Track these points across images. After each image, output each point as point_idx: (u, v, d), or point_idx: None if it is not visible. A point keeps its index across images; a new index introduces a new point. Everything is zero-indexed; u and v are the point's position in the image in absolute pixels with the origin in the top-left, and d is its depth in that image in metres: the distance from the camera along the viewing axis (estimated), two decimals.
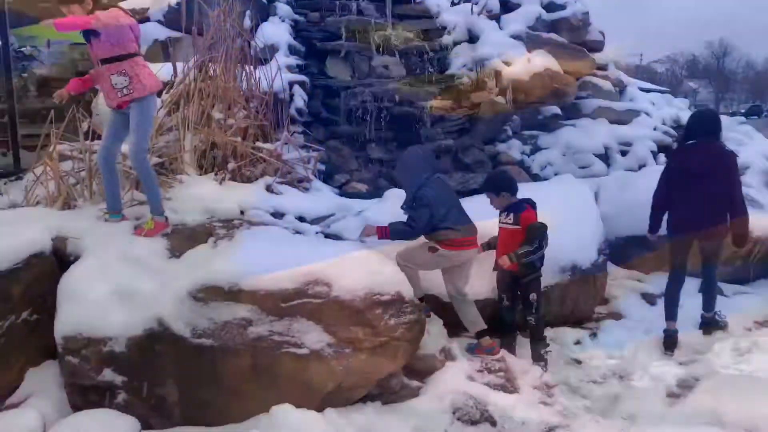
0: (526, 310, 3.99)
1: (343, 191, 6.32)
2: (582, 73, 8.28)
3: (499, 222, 4.07)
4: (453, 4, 8.19)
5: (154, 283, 3.20)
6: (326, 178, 6.37)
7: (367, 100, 6.94)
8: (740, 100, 60.14)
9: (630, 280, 5.40)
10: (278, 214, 4.44)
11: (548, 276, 4.23)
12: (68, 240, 3.56)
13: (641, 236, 5.64)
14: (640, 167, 7.66)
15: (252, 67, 5.43)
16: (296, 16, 7.33)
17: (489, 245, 4.24)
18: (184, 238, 3.75)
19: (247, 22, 5.61)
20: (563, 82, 7.71)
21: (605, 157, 7.64)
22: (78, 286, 3.19)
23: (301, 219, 4.53)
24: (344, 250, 3.52)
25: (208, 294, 3.09)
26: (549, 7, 8.18)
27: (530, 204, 3.99)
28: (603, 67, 8.79)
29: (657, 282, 5.40)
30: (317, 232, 4.28)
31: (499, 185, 4.03)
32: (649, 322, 4.69)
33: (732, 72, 60.36)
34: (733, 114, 39.55)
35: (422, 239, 3.87)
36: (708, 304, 4.52)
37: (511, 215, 3.96)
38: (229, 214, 4.14)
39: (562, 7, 8.15)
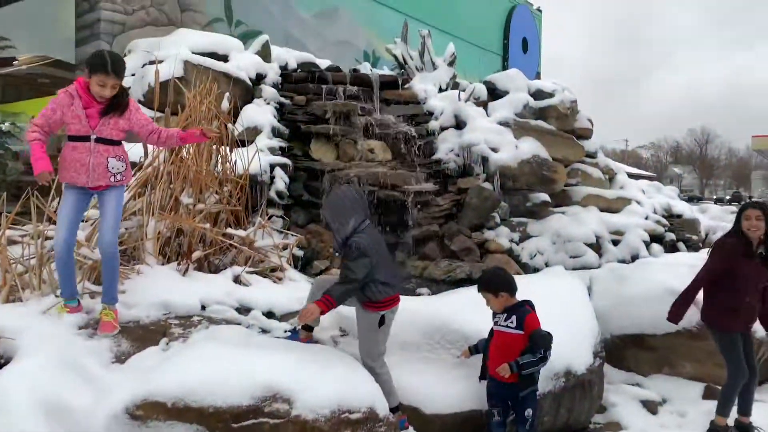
0: (519, 426, 3.57)
1: None
2: (570, 161, 8.21)
3: (496, 325, 3.68)
4: (440, 90, 8.20)
5: (88, 395, 2.78)
6: (305, 264, 6.04)
7: (350, 183, 6.72)
8: (725, 185, 61.30)
9: (628, 384, 4.98)
10: (244, 309, 4.06)
11: (540, 383, 3.82)
12: (0, 340, 3.15)
13: (639, 334, 5.32)
14: (633, 258, 7.43)
15: (228, 150, 5.21)
16: (282, 99, 7.24)
17: (477, 349, 3.87)
18: (134, 339, 3.36)
19: (225, 104, 5.45)
20: (551, 169, 7.60)
21: (597, 247, 7.40)
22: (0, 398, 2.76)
23: (270, 314, 4.14)
24: (311, 355, 3.13)
25: (148, 411, 2.67)
26: (537, 95, 8.18)
27: (531, 306, 3.65)
28: (592, 155, 8.73)
29: (657, 386, 5.00)
30: (286, 331, 3.88)
31: (498, 285, 3.63)
32: None
33: (714, 159, 61.97)
34: (717, 201, 40.10)
35: (366, 318, 3.51)
36: (719, 407, 4.16)
37: (513, 318, 3.58)
38: (188, 310, 3.77)
39: (550, 95, 8.16)
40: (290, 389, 2.80)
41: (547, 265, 7.09)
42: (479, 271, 6.31)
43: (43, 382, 2.84)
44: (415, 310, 4.12)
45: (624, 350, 5.30)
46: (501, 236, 7.09)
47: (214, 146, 5.00)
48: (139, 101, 6.35)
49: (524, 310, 3.60)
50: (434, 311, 4.14)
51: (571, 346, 4.19)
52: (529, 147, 7.53)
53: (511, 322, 3.59)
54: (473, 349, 3.87)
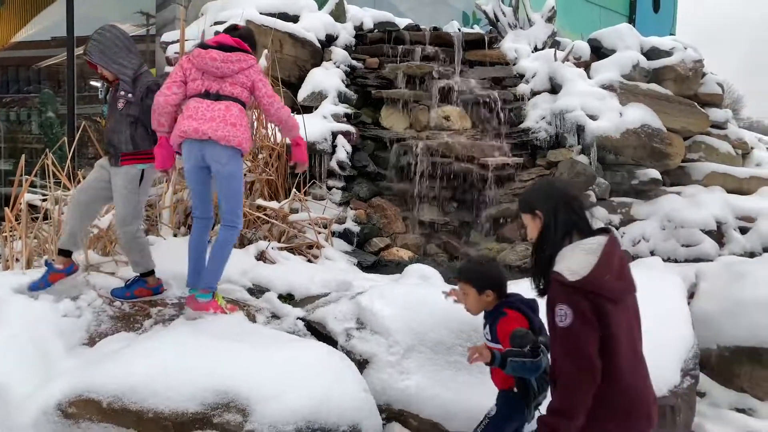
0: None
1: (381, 258, 5.45)
2: (691, 132, 6.93)
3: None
4: (536, 50, 7.23)
5: (33, 382, 2.47)
6: (363, 241, 5.54)
7: (421, 153, 6.09)
8: None
9: (735, 411, 3.97)
10: (258, 290, 3.63)
11: None
12: None
13: (757, 347, 4.24)
14: (766, 250, 6.12)
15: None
16: (353, 62, 6.71)
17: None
18: (118, 318, 3.03)
19: (263, 62, 5.01)
20: (665, 141, 6.44)
21: (718, 235, 6.18)
22: None
23: (290, 297, 3.69)
24: (294, 355, 2.61)
25: (81, 409, 2.30)
26: (651, 54, 6.95)
27: (511, 306, 2.63)
28: (720, 126, 7.33)
29: None
30: (299, 318, 3.40)
31: (483, 279, 2.65)
32: None
33: None
34: None
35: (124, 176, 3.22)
36: None
37: (488, 327, 2.68)
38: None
39: (668, 54, 6.89)
40: (249, 397, 2.31)
41: (653, 254, 6.06)
42: None
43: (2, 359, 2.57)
44: (452, 304, 3.45)
45: (736, 366, 4.24)
46: (595, 218, 6.12)
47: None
48: None
49: (497, 314, 2.61)
50: None
51: (651, 360, 3.29)
52: (638, 114, 6.41)
53: (487, 333, 2.67)
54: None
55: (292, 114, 3.38)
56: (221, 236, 3.15)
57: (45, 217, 3.92)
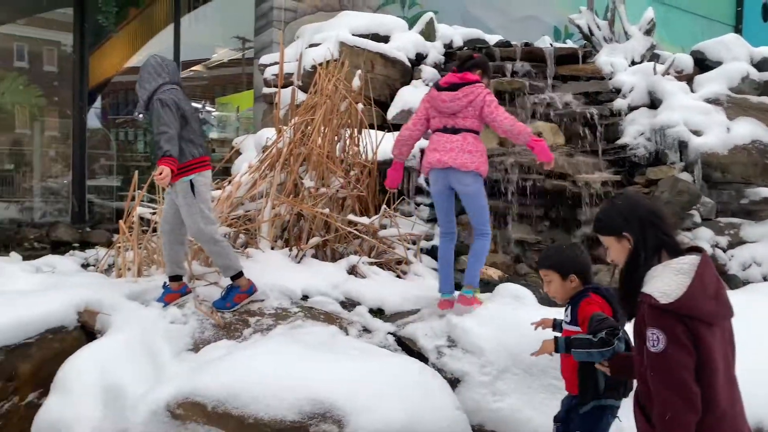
0: None
1: None
2: None
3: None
4: (633, 63, 6.96)
5: (145, 383, 2.63)
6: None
7: (511, 170, 5.98)
8: None
9: None
10: (350, 304, 3.68)
11: None
12: (98, 315, 3.18)
13: None
14: None
15: (357, 132, 4.87)
16: None
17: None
18: (219, 327, 3.17)
19: (356, 82, 5.12)
20: None
21: None
22: (72, 374, 2.74)
23: (380, 311, 3.71)
24: (386, 369, 2.62)
25: (188, 411, 2.41)
26: (762, 65, 6.51)
27: (596, 291, 2.53)
28: None
29: None
30: (389, 333, 3.41)
31: (566, 263, 2.54)
32: None
33: None
34: None
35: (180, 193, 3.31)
36: None
37: (569, 310, 2.54)
38: (287, 300, 3.49)
39: None
40: (344, 408, 2.34)
41: (765, 279, 5.62)
42: None
43: (115, 362, 2.77)
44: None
45: None
46: (700, 239, 5.75)
47: (345, 128, 4.69)
48: (298, 86, 6.33)
49: (580, 297, 2.49)
50: None
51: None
52: (747, 129, 6.02)
53: (567, 316, 2.54)
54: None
55: (513, 122, 3.62)
56: (477, 245, 3.72)
57: (154, 230, 4.19)
